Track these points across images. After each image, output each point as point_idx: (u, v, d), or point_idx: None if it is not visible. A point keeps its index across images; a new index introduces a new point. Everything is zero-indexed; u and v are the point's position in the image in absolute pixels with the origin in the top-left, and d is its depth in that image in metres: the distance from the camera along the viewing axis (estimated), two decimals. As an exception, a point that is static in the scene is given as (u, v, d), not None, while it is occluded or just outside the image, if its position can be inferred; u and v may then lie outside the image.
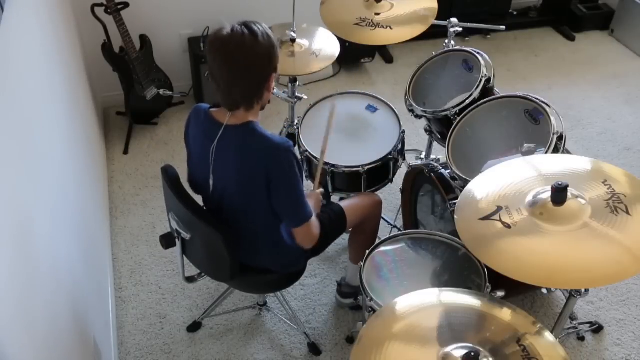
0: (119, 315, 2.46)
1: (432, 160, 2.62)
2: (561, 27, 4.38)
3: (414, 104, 2.44)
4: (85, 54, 3.16)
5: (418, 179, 2.42)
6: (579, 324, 2.39)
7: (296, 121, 2.65)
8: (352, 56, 3.85)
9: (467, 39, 4.15)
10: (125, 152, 3.25)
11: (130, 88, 3.13)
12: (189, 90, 3.57)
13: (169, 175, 1.86)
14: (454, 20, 2.52)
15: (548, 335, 1.36)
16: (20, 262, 1.40)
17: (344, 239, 2.74)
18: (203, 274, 2.08)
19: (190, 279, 2.08)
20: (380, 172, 2.41)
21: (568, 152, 2.12)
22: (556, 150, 1.96)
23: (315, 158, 2.35)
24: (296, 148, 2.23)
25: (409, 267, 1.97)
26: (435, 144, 2.69)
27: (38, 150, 1.77)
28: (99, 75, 3.29)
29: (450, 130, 2.22)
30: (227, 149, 1.75)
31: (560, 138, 1.98)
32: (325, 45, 2.54)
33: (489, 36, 4.27)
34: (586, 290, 1.82)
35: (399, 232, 2.13)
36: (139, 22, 3.18)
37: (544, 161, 1.68)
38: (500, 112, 2.18)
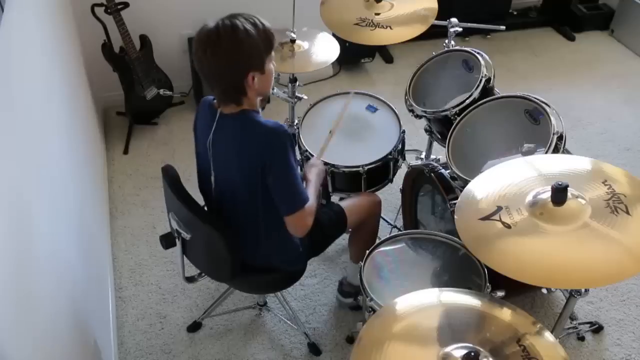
0: (119, 315, 2.46)
1: (432, 160, 2.62)
2: (561, 27, 4.38)
3: (414, 104, 2.44)
4: (85, 54, 3.16)
5: (418, 179, 2.42)
6: (579, 324, 2.39)
7: (296, 121, 2.65)
8: (352, 56, 3.85)
9: (467, 39, 4.15)
10: (125, 152, 3.25)
11: (130, 88, 3.13)
12: (189, 90, 3.57)
13: (169, 175, 1.86)
14: (454, 20, 2.52)
15: (548, 335, 1.36)
16: (20, 262, 1.40)
17: (344, 239, 2.74)
18: (203, 274, 2.08)
19: (190, 279, 2.08)
20: (380, 172, 2.41)
21: (568, 152, 2.12)
22: (556, 150, 1.95)
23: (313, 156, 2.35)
24: (296, 148, 2.23)
25: (409, 267, 1.97)
26: (435, 144, 2.69)
27: (38, 150, 1.77)
28: (99, 75, 3.28)
29: (450, 130, 2.22)
30: (225, 139, 1.75)
31: (560, 138, 1.98)
32: (325, 46, 2.54)
33: (489, 36, 4.27)
34: (586, 290, 1.82)
35: (399, 232, 2.13)
36: (139, 22, 3.18)
37: (544, 161, 1.68)
38: (500, 112, 2.18)
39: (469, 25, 2.52)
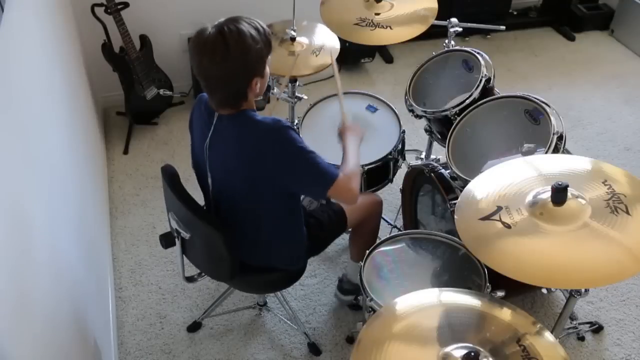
0: (119, 315, 2.46)
1: (432, 160, 2.62)
2: (561, 27, 4.38)
3: (414, 104, 2.44)
4: (85, 54, 3.16)
5: (418, 179, 2.42)
6: (579, 324, 2.39)
7: (296, 121, 2.65)
8: (352, 56, 3.85)
9: (467, 39, 4.15)
10: (125, 152, 3.25)
11: (130, 88, 3.13)
12: (189, 90, 3.57)
13: (169, 175, 1.86)
14: (454, 20, 2.52)
15: (548, 335, 1.36)
16: (20, 262, 1.40)
17: (344, 239, 2.74)
18: (203, 274, 2.08)
19: (190, 279, 2.08)
20: (380, 172, 2.41)
21: (568, 152, 2.12)
22: (556, 150, 1.96)
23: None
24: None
25: (409, 267, 1.97)
26: (435, 144, 2.69)
27: (37, 150, 1.77)
28: (99, 75, 3.29)
29: (450, 130, 2.22)
30: (224, 141, 1.74)
31: (560, 138, 1.98)
32: (326, 43, 2.54)
33: (489, 36, 4.27)
34: (586, 290, 1.82)
35: (399, 232, 2.13)
36: (139, 22, 3.18)
37: (544, 161, 1.68)
38: (500, 112, 2.18)
39: (469, 25, 2.52)
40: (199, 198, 1.89)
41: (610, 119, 3.59)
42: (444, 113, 2.29)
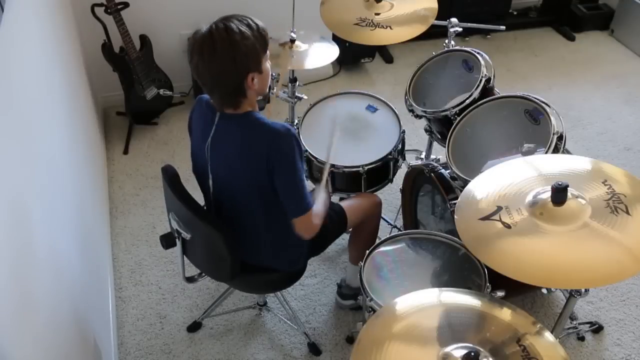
0: (119, 315, 2.46)
1: (432, 160, 2.62)
2: (561, 27, 4.38)
3: (414, 104, 2.44)
4: (85, 54, 3.16)
5: (418, 179, 2.42)
6: (579, 324, 2.39)
7: (296, 121, 2.65)
8: (352, 56, 3.85)
9: (467, 39, 4.15)
10: (125, 152, 3.25)
11: (130, 88, 3.13)
12: (189, 90, 3.57)
13: (169, 175, 1.86)
14: (454, 20, 2.52)
15: (548, 335, 1.36)
16: (20, 262, 1.40)
17: (344, 239, 2.74)
18: (203, 274, 2.08)
19: (190, 279, 2.08)
20: (380, 172, 2.41)
21: (568, 152, 2.12)
22: (556, 150, 1.96)
23: (316, 159, 2.35)
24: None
25: (409, 267, 1.97)
26: (435, 144, 2.69)
27: (37, 150, 1.77)
28: (99, 75, 3.29)
29: (450, 130, 2.22)
30: (227, 141, 1.74)
31: (560, 138, 1.98)
32: (324, 48, 2.54)
33: (489, 36, 4.27)
34: (586, 290, 1.82)
35: (399, 232, 2.13)
36: (139, 22, 3.18)
37: (544, 161, 1.68)
38: (500, 112, 2.18)
39: (469, 25, 2.52)
40: (199, 198, 1.89)
41: (610, 119, 3.59)
42: (444, 113, 2.29)
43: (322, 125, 2.50)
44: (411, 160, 2.69)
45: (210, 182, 1.84)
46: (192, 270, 2.07)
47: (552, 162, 1.65)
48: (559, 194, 1.44)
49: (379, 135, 2.45)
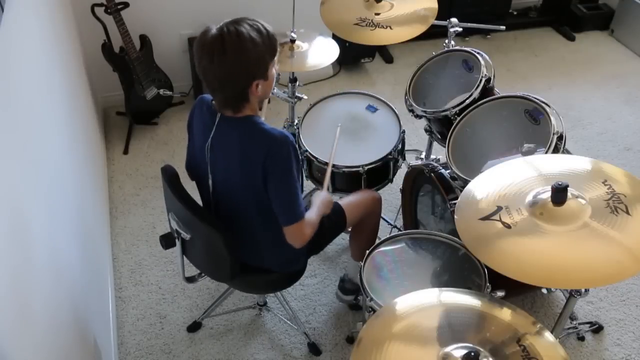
0: (119, 315, 2.46)
1: (432, 160, 2.62)
2: (561, 27, 4.38)
3: (414, 104, 2.44)
4: (85, 54, 3.16)
5: (418, 179, 2.42)
6: (579, 324, 2.39)
7: (296, 121, 2.65)
8: (352, 56, 3.85)
9: (467, 39, 4.15)
10: (125, 152, 3.25)
11: (130, 88, 3.13)
12: (189, 90, 3.58)
13: (169, 175, 1.86)
14: (454, 20, 2.52)
15: (548, 335, 1.36)
16: (20, 262, 1.40)
17: (344, 238, 2.74)
18: (203, 274, 2.08)
19: (190, 279, 2.08)
20: (380, 172, 2.41)
21: (568, 152, 2.12)
22: (556, 150, 1.96)
23: (316, 159, 2.35)
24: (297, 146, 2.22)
25: (409, 267, 1.97)
26: (435, 144, 2.69)
27: (37, 150, 1.77)
28: (99, 75, 3.29)
29: (450, 130, 2.22)
30: (226, 143, 1.74)
31: (560, 138, 1.98)
32: (324, 47, 2.54)
33: (489, 36, 4.27)
34: (586, 290, 1.82)
35: (399, 232, 2.13)
36: (139, 22, 3.18)
37: (544, 161, 1.68)
38: (500, 112, 2.18)
39: (469, 25, 2.52)
40: (199, 199, 1.89)
41: (610, 119, 3.59)
42: (444, 113, 2.29)
43: (322, 125, 2.51)
44: (411, 160, 2.69)
45: (210, 182, 1.84)
46: (192, 270, 2.07)
47: (552, 162, 1.65)
48: (559, 194, 1.44)
49: (379, 135, 2.45)
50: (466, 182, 1.81)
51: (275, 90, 2.64)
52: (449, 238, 2.02)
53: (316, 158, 2.36)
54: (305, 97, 2.66)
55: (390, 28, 2.37)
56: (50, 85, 2.16)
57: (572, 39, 4.31)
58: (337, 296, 2.48)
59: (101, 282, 2.37)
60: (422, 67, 2.53)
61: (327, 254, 2.70)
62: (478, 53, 2.34)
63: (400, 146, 2.42)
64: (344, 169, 2.33)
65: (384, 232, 2.65)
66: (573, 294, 1.80)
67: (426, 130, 2.64)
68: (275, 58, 1.71)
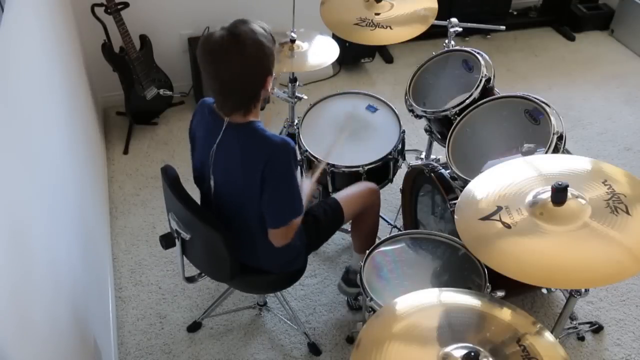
0: (119, 315, 2.46)
1: (432, 160, 2.62)
2: (561, 27, 4.38)
3: (414, 104, 2.44)
4: (85, 54, 3.16)
5: (418, 179, 2.42)
6: (579, 324, 2.39)
7: (296, 121, 2.65)
8: (352, 56, 3.85)
9: (467, 39, 4.15)
10: (125, 152, 3.25)
11: (130, 88, 3.13)
12: (189, 90, 3.58)
13: (169, 175, 1.86)
14: (454, 20, 2.52)
15: (548, 335, 1.36)
16: (20, 262, 1.40)
17: (344, 238, 2.74)
18: (203, 274, 2.08)
19: (190, 279, 2.08)
20: (380, 172, 2.41)
21: (568, 152, 2.12)
22: (556, 150, 1.96)
23: (316, 159, 2.35)
24: (296, 148, 2.22)
25: (409, 267, 1.97)
26: (435, 144, 2.69)
27: (37, 150, 1.77)
28: (99, 75, 3.29)
29: (450, 130, 2.22)
30: (230, 147, 1.75)
31: (560, 138, 1.98)
32: (324, 47, 2.55)
33: (489, 36, 4.27)
34: (586, 290, 1.82)
35: (399, 232, 2.13)
36: (139, 22, 3.18)
37: (544, 161, 1.68)
38: (500, 112, 2.18)
39: (469, 25, 2.52)
40: (199, 199, 1.90)
41: (610, 119, 3.59)
42: (444, 113, 2.29)
43: (322, 125, 2.51)
44: (411, 160, 2.70)
45: (212, 183, 1.84)
46: (192, 270, 2.07)
47: (552, 162, 1.65)
48: (559, 194, 1.44)
49: (379, 135, 2.45)
50: (466, 182, 1.81)
51: (275, 90, 2.64)
52: (449, 238, 2.02)
53: (316, 158, 2.36)
54: (305, 97, 2.66)
55: (390, 28, 2.38)
56: (50, 85, 2.16)
57: (572, 39, 4.31)
58: (340, 288, 2.44)
59: (101, 282, 2.37)
60: (422, 67, 2.53)
61: (327, 254, 2.70)
62: (478, 53, 2.34)
63: (400, 146, 2.42)
64: (344, 169, 2.33)
65: (384, 232, 2.65)
66: (573, 294, 1.80)
67: (426, 130, 2.64)
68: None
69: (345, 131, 2.25)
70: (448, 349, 1.31)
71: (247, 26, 1.61)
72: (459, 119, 2.22)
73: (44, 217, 1.69)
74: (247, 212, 1.83)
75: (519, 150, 2.04)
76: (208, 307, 2.42)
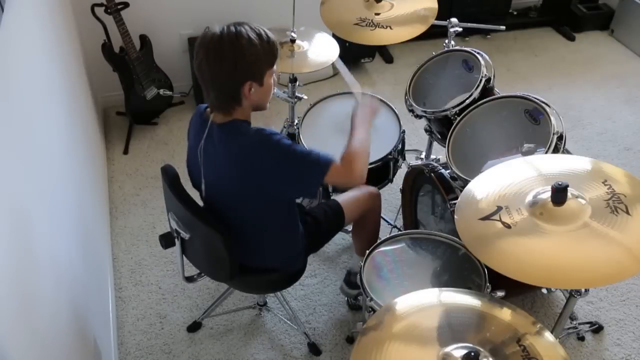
0: (119, 315, 2.46)
1: (432, 160, 2.62)
2: (561, 27, 4.38)
3: (414, 104, 2.44)
4: (85, 54, 3.16)
5: (418, 179, 2.42)
6: (579, 324, 2.39)
7: (296, 121, 2.65)
8: (352, 56, 3.85)
9: (467, 39, 4.15)
10: (125, 152, 3.25)
11: (130, 88, 3.13)
12: (189, 90, 3.58)
13: (169, 175, 1.86)
14: (454, 20, 2.52)
15: (548, 335, 1.36)
16: (21, 262, 1.40)
17: (344, 239, 2.74)
18: (202, 274, 2.08)
19: (190, 279, 2.08)
20: (380, 172, 2.41)
21: (568, 152, 2.12)
22: (556, 150, 1.96)
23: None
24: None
25: (409, 267, 1.97)
26: (435, 144, 2.69)
27: (37, 150, 1.77)
28: (99, 75, 3.29)
29: (450, 130, 2.22)
30: (215, 148, 1.74)
31: (560, 138, 1.98)
32: (324, 46, 2.54)
33: (489, 36, 4.27)
34: (586, 290, 1.82)
35: (399, 232, 2.13)
36: (139, 22, 3.18)
37: (544, 161, 1.68)
38: (500, 112, 2.18)
39: (469, 25, 2.52)
40: (199, 198, 1.90)
41: (610, 119, 3.59)
42: (444, 113, 2.29)
43: (322, 125, 2.51)
44: (411, 160, 2.69)
45: (203, 186, 1.85)
46: (191, 270, 2.07)
47: (552, 162, 1.65)
48: (559, 194, 1.44)
49: (379, 135, 2.45)
50: (466, 182, 1.81)
51: (275, 90, 2.63)
52: (449, 238, 2.02)
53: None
54: (305, 97, 2.66)
55: (390, 28, 2.38)
56: (50, 85, 2.16)
57: (572, 39, 4.31)
58: (342, 290, 2.45)
59: (101, 282, 2.38)
60: (422, 67, 2.53)
61: (327, 254, 2.70)
62: (478, 53, 2.34)
63: (400, 146, 2.42)
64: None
65: (384, 232, 2.65)
66: (573, 294, 1.80)
67: (426, 130, 2.64)
68: (274, 67, 1.70)
69: (345, 132, 2.23)
70: (448, 349, 1.31)
71: (235, 27, 1.61)
72: (459, 119, 2.22)
73: (44, 217, 1.69)
74: (243, 210, 1.83)
75: (519, 150, 2.04)
76: (208, 307, 2.42)
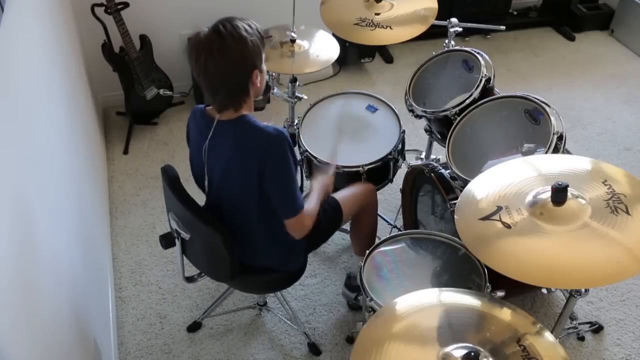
0: (119, 315, 2.46)
1: (432, 160, 2.62)
2: (561, 27, 4.38)
3: (414, 104, 2.44)
4: (85, 54, 3.16)
5: (418, 179, 2.42)
6: (579, 324, 2.39)
7: (296, 121, 2.65)
8: (352, 56, 3.85)
9: (467, 39, 4.15)
10: (125, 152, 3.25)
11: (130, 88, 3.13)
12: (189, 90, 3.58)
13: (169, 175, 1.86)
14: (454, 20, 2.52)
15: (548, 335, 1.36)
16: (21, 262, 1.40)
17: (344, 239, 2.74)
18: (203, 274, 2.08)
19: (190, 279, 2.08)
20: (380, 172, 2.41)
21: (568, 152, 2.12)
22: (556, 150, 1.96)
23: (316, 158, 2.35)
24: (296, 148, 2.23)
25: (409, 267, 1.97)
26: (435, 144, 2.69)
27: (37, 150, 1.77)
28: (99, 75, 3.29)
29: (450, 130, 2.22)
30: (222, 145, 1.75)
31: (560, 138, 1.98)
32: (325, 45, 2.54)
33: (489, 36, 4.27)
34: (586, 290, 1.82)
35: (399, 232, 2.13)
36: (139, 22, 3.18)
37: (544, 161, 1.68)
38: (500, 112, 2.18)
39: (469, 25, 2.52)
40: (199, 198, 1.89)
41: (610, 119, 3.59)
42: (444, 113, 2.29)
43: (322, 125, 2.51)
44: (411, 160, 2.69)
45: (206, 183, 1.85)
46: (191, 270, 2.07)
47: (552, 162, 1.65)
48: (559, 194, 1.44)
49: (379, 135, 2.45)
50: (466, 182, 1.81)
51: (275, 90, 2.64)
52: (449, 238, 2.02)
53: (316, 158, 2.36)
54: (305, 97, 2.66)
55: (390, 28, 2.37)
56: (50, 85, 2.16)
57: (572, 39, 4.31)
58: (344, 294, 2.46)
59: (101, 282, 2.38)
60: (422, 67, 2.53)
61: (327, 254, 2.70)
62: (478, 53, 2.34)
63: (400, 146, 2.42)
64: (344, 169, 2.33)
65: (384, 232, 2.65)
66: (573, 294, 1.80)
67: (426, 130, 2.64)
68: (264, 53, 1.74)
69: (345, 132, 2.26)
70: (448, 349, 1.31)
71: (229, 22, 1.64)
72: (459, 119, 2.22)
73: (44, 217, 1.69)
74: (245, 208, 1.83)
75: (519, 150, 2.04)
76: (208, 307, 2.42)
